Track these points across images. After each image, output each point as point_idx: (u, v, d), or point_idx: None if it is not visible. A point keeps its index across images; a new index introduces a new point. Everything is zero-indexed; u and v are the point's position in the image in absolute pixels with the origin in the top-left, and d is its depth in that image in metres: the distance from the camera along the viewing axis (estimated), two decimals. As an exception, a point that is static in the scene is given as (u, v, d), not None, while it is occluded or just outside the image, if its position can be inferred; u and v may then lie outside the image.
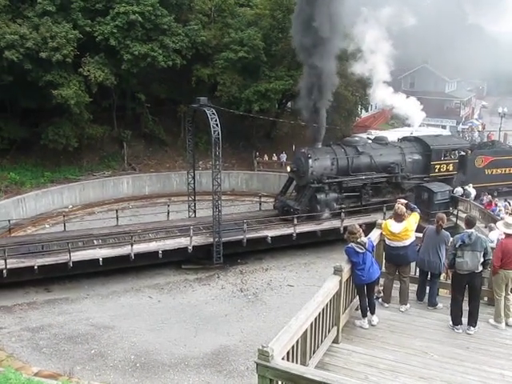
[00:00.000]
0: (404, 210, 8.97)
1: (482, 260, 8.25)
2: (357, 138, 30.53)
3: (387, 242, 9.02)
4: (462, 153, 31.06)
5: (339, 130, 38.14)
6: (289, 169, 29.46)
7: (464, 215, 27.37)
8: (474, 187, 29.10)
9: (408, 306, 9.01)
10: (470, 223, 8.73)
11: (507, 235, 8.74)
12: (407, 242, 8.87)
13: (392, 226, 8.87)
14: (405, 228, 8.81)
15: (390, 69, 33.75)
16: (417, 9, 57.53)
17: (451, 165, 30.60)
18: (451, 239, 8.80)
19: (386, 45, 32.28)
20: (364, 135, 35.59)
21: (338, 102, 35.18)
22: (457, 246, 8.31)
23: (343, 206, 28.02)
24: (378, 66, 33.02)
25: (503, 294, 8.68)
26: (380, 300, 9.11)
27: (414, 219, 8.97)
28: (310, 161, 27.51)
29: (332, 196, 28.08)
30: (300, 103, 29.80)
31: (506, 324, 8.62)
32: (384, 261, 9.38)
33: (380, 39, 32.42)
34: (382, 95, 34.85)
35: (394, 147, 30.35)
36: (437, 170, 30.31)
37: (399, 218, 8.88)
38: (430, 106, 57.32)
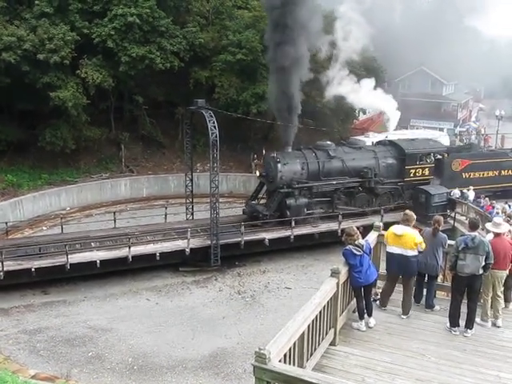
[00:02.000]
0: (413, 215, 8.85)
1: (483, 264, 8.26)
2: (328, 142, 29.66)
3: (388, 249, 8.86)
4: (439, 156, 30.58)
5: (337, 133, 38.22)
6: (258, 173, 28.75)
7: (461, 218, 27.55)
8: None
9: (410, 313, 8.97)
10: (473, 226, 8.71)
11: (495, 235, 8.79)
12: (409, 252, 8.66)
13: (396, 228, 8.79)
14: (409, 232, 8.67)
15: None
16: (412, 11, 57.87)
17: (427, 169, 30.05)
18: (454, 241, 8.77)
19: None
20: (362, 137, 35.64)
21: (335, 105, 35.34)
22: (459, 248, 8.31)
23: (314, 211, 27.45)
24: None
25: (490, 293, 8.73)
26: (377, 302, 9.11)
27: (419, 236, 8.80)
28: (279, 165, 26.80)
29: (302, 201, 27.27)
30: (272, 107, 29.43)
31: (494, 324, 8.68)
32: (386, 271, 9.24)
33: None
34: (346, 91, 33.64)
35: (367, 151, 29.78)
36: (412, 175, 29.75)
37: (406, 222, 8.79)
38: (427, 109, 57.60)
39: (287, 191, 27.02)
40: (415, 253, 8.71)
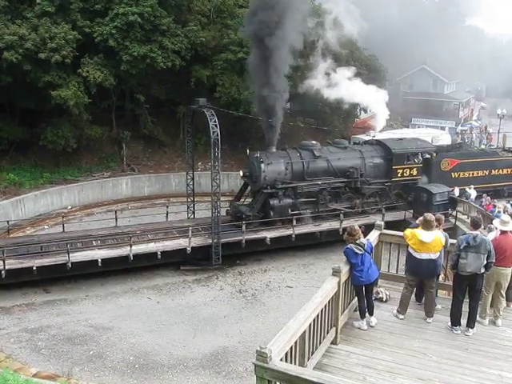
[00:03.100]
0: (434, 218, 8.66)
1: (485, 262, 8.22)
2: (314, 142, 29.09)
3: (413, 253, 8.62)
4: (427, 156, 30.11)
5: (338, 132, 38.19)
6: (241, 173, 28.20)
7: (463, 216, 27.55)
8: None
9: (433, 317, 8.82)
10: (475, 225, 8.69)
11: (502, 232, 8.77)
12: (436, 256, 8.57)
13: (422, 235, 8.48)
14: (436, 239, 8.49)
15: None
16: (413, 9, 57.85)
17: (415, 169, 29.57)
18: (455, 240, 8.74)
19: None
20: (363, 136, 35.56)
21: (336, 104, 35.26)
22: (461, 247, 8.25)
23: (299, 212, 27.01)
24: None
25: (491, 291, 8.71)
26: (394, 311, 8.92)
27: (444, 237, 8.70)
28: (263, 165, 26.21)
29: (286, 202, 26.75)
30: (257, 107, 29.04)
31: (494, 323, 8.65)
32: (406, 272, 9.09)
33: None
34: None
35: (353, 151, 29.20)
36: (399, 175, 29.28)
37: (428, 225, 8.53)
38: (428, 108, 57.56)
39: (271, 192, 26.51)
40: (439, 254, 8.67)
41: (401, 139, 31.57)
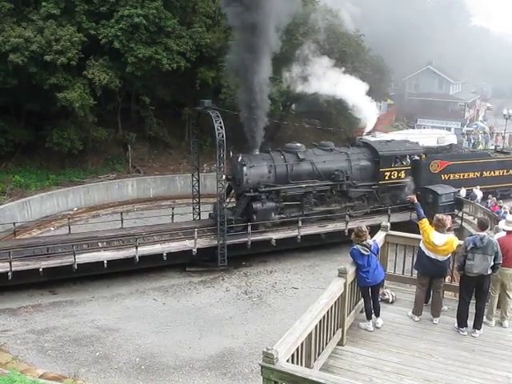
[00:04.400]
0: (444, 218, 8.66)
1: (492, 264, 8.18)
2: (298, 144, 28.48)
3: (423, 248, 8.68)
4: (416, 158, 29.50)
5: (344, 133, 38.15)
6: (224, 176, 27.48)
7: (469, 217, 27.46)
8: None
9: (440, 318, 8.82)
10: (483, 226, 8.62)
11: (508, 232, 8.74)
12: (444, 258, 8.62)
13: (435, 237, 8.50)
14: (447, 243, 8.49)
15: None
16: (420, 9, 57.79)
17: (403, 172, 28.95)
18: (462, 241, 8.72)
19: None
20: (369, 137, 35.45)
21: (341, 105, 35.21)
22: (468, 248, 8.22)
23: (283, 215, 26.70)
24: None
25: (498, 291, 8.68)
26: (409, 313, 8.90)
27: (456, 242, 8.68)
28: (245, 168, 25.68)
29: (269, 205, 26.16)
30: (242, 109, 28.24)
31: (500, 324, 8.62)
32: (416, 271, 9.10)
33: None
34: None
35: (339, 153, 28.54)
36: (387, 178, 28.69)
37: (441, 228, 8.55)
38: (434, 108, 57.50)
39: (254, 195, 25.96)
40: (449, 255, 8.71)
41: (389, 141, 30.81)
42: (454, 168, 29.99)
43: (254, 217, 25.94)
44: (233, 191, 27.88)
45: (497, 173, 31.08)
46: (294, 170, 26.93)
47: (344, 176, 27.59)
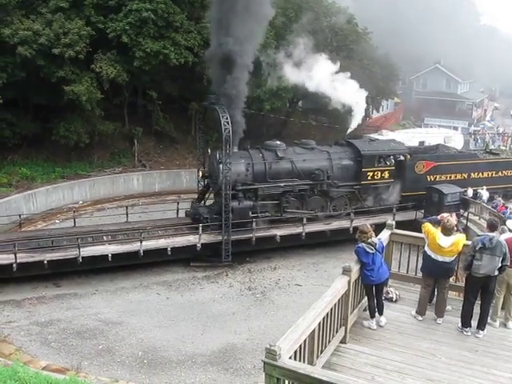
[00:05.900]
0: (454, 223, 8.56)
1: (499, 265, 8.12)
2: (278, 142, 27.54)
3: (429, 252, 8.59)
4: (401, 158, 28.66)
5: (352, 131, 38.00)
6: (200, 174, 27.15)
7: (475, 218, 27.34)
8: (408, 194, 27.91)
9: (443, 318, 8.77)
10: (492, 226, 8.53)
11: None
12: (451, 259, 8.55)
13: (441, 239, 8.41)
14: (454, 244, 8.41)
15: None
16: (429, 8, 57.50)
17: (386, 172, 28.14)
18: (470, 241, 8.66)
19: None
20: (376, 136, 35.35)
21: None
22: (476, 248, 8.15)
23: (259, 215, 26.12)
24: None
25: (503, 292, 8.64)
26: (413, 313, 8.87)
27: (463, 241, 8.59)
28: (222, 166, 24.71)
29: (246, 204, 25.59)
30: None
31: (504, 325, 8.59)
32: (421, 271, 9.04)
33: None
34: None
35: (320, 152, 27.75)
36: (369, 178, 27.88)
37: (448, 231, 8.44)
38: (441, 107, 57.30)
39: (230, 193, 25.14)
40: (455, 256, 8.64)
41: (373, 140, 30.24)
42: (440, 169, 29.19)
43: (231, 215, 25.13)
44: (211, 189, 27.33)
45: (485, 174, 30.17)
46: (272, 168, 26.29)
47: (325, 175, 26.86)
